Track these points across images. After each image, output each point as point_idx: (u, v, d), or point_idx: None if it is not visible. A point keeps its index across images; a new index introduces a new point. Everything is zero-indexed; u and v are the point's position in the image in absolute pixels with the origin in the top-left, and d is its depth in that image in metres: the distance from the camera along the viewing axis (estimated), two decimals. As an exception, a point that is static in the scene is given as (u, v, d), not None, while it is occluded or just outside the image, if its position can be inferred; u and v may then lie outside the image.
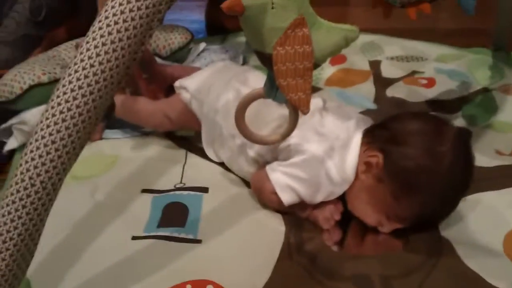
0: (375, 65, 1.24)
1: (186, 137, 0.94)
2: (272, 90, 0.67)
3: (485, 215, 0.74)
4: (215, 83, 0.85)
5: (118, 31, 0.48)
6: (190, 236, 0.68)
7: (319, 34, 0.63)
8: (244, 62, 1.24)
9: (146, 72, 0.96)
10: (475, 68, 1.23)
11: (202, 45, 1.25)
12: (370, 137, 0.72)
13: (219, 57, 1.23)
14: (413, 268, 0.63)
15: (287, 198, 0.72)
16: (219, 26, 1.43)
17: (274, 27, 0.60)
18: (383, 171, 0.68)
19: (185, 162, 0.86)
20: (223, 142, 0.82)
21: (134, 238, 0.67)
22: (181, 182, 0.80)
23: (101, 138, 0.93)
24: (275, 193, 0.72)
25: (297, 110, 0.66)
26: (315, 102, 0.77)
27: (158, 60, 1.13)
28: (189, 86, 0.88)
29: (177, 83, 0.90)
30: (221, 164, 0.85)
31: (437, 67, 1.24)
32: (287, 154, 0.74)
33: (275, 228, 0.71)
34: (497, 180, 0.80)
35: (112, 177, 0.80)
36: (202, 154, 0.87)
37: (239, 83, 0.82)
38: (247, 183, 0.81)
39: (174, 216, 0.72)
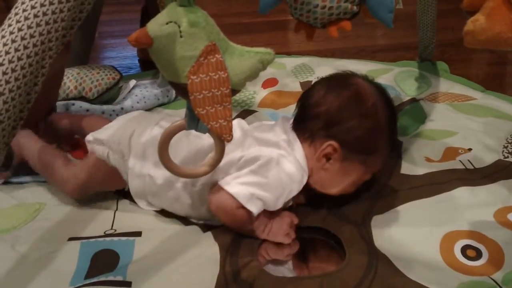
0: (306, 86, 1.25)
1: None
2: (193, 120, 0.65)
3: (419, 222, 0.74)
4: (136, 133, 0.79)
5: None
6: (119, 278, 0.64)
7: (232, 59, 0.62)
8: (177, 96, 1.22)
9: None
10: (402, 80, 1.27)
11: (132, 82, 1.23)
12: (305, 132, 0.76)
13: (151, 93, 1.21)
14: (352, 287, 0.62)
15: (254, 208, 0.69)
16: (152, 60, 1.40)
17: (185, 55, 0.59)
18: (342, 152, 0.74)
19: (116, 208, 0.81)
20: (158, 192, 0.77)
21: (58, 293, 0.62)
22: (111, 228, 0.76)
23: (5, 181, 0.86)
24: (240, 207, 0.69)
25: (221, 138, 0.65)
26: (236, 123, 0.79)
27: (85, 104, 1.10)
28: (104, 138, 0.79)
29: (89, 137, 0.82)
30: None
31: (366, 83, 1.26)
32: (240, 166, 0.72)
33: (210, 258, 0.68)
34: (428, 187, 0.82)
35: (36, 226, 0.75)
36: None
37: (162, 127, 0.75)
38: (183, 222, 0.78)
39: (103, 265, 0.67)
